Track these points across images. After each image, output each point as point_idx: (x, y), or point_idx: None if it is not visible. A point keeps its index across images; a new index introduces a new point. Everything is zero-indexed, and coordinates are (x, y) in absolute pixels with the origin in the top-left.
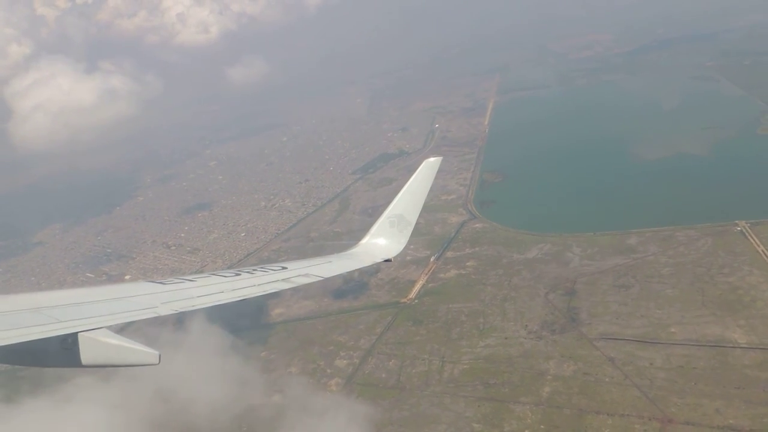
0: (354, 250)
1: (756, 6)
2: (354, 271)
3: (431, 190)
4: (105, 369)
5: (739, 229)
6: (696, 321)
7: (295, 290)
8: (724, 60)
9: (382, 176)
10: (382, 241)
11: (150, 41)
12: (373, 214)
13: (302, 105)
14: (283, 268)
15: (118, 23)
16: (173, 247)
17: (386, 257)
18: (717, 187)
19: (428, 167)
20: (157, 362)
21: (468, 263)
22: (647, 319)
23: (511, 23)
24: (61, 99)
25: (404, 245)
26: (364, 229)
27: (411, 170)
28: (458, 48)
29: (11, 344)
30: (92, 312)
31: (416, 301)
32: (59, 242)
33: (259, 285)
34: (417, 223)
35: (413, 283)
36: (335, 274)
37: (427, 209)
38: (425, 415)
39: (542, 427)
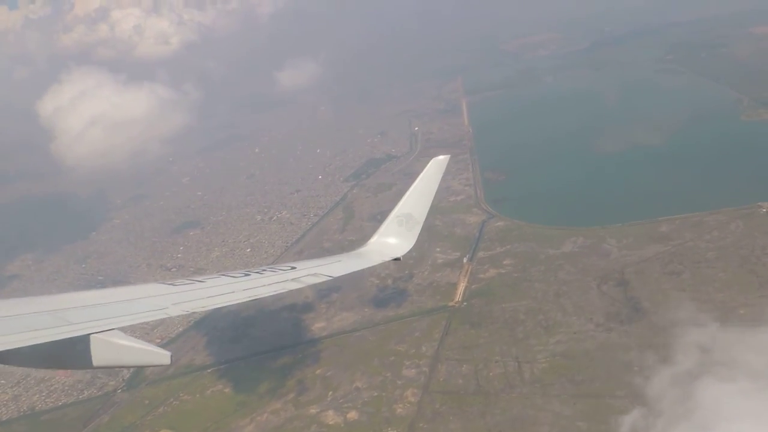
0: (363, 249)
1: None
2: (365, 269)
3: (440, 194)
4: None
5: (764, 210)
6: (762, 302)
7: (332, 302)
8: (681, 53)
9: (378, 182)
10: (392, 240)
11: (102, 55)
12: (382, 219)
13: (263, 115)
14: (292, 267)
15: (58, 38)
16: (173, 269)
17: (395, 256)
18: (724, 172)
19: (436, 165)
20: (169, 363)
21: (505, 261)
22: (712, 303)
23: (449, 24)
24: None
25: (413, 243)
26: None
27: (406, 174)
28: (408, 53)
29: (23, 347)
30: (103, 314)
31: (465, 303)
32: (37, 274)
33: (269, 285)
34: (436, 226)
35: (454, 285)
36: (345, 273)
37: (441, 211)
38: (522, 418)
39: (649, 418)
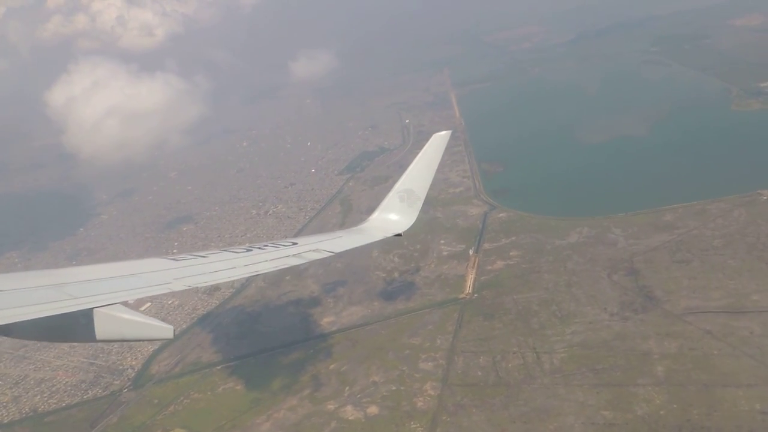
0: (364, 225)
1: None
2: (369, 245)
3: (438, 186)
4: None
5: (765, 198)
6: None
7: (339, 297)
8: (665, 45)
9: (373, 175)
10: (393, 216)
11: (84, 46)
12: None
13: (249, 108)
14: (294, 243)
15: (38, 28)
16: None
17: (397, 232)
18: (721, 161)
19: (437, 141)
20: (172, 336)
21: (511, 253)
22: (724, 290)
23: (429, 19)
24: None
25: (414, 219)
26: None
27: (402, 166)
28: (391, 47)
29: (27, 320)
30: (106, 288)
31: (476, 295)
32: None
33: (271, 260)
34: (437, 218)
35: (463, 277)
36: (346, 248)
37: (441, 203)
38: (546, 409)
39: (674, 406)
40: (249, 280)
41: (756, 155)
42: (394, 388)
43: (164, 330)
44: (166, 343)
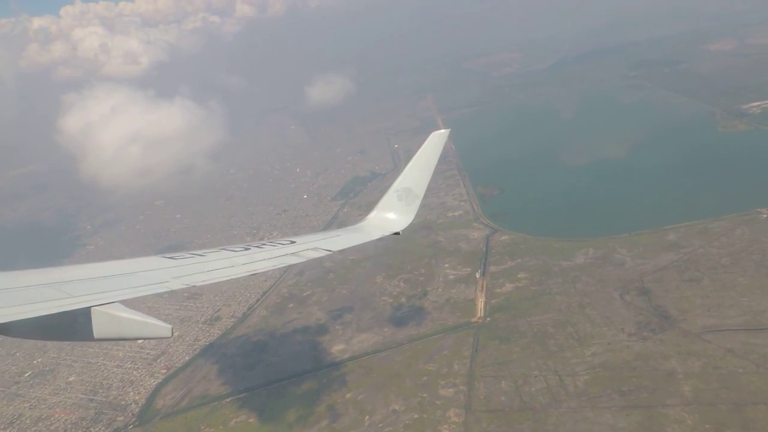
0: (362, 224)
1: (646, 20)
2: (367, 243)
3: (436, 210)
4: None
5: (765, 216)
6: None
7: (347, 324)
8: (644, 69)
9: (367, 200)
10: (391, 215)
11: (65, 75)
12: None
13: (233, 135)
14: (292, 242)
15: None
16: (165, 294)
17: (395, 230)
18: (717, 180)
19: (435, 139)
20: (170, 335)
21: (519, 275)
22: (738, 308)
23: (408, 47)
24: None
25: (412, 218)
26: (382, 254)
27: None
28: (371, 74)
29: (25, 319)
30: (105, 287)
31: (488, 318)
32: None
33: (269, 259)
34: (440, 242)
35: (472, 301)
36: (345, 247)
37: (441, 227)
38: None
39: (707, 426)
40: (251, 309)
41: (750, 174)
42: (416, 416)
43: (162, 329)
44: (170, 376)
